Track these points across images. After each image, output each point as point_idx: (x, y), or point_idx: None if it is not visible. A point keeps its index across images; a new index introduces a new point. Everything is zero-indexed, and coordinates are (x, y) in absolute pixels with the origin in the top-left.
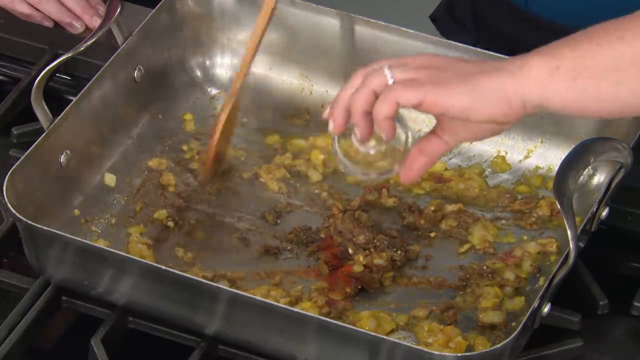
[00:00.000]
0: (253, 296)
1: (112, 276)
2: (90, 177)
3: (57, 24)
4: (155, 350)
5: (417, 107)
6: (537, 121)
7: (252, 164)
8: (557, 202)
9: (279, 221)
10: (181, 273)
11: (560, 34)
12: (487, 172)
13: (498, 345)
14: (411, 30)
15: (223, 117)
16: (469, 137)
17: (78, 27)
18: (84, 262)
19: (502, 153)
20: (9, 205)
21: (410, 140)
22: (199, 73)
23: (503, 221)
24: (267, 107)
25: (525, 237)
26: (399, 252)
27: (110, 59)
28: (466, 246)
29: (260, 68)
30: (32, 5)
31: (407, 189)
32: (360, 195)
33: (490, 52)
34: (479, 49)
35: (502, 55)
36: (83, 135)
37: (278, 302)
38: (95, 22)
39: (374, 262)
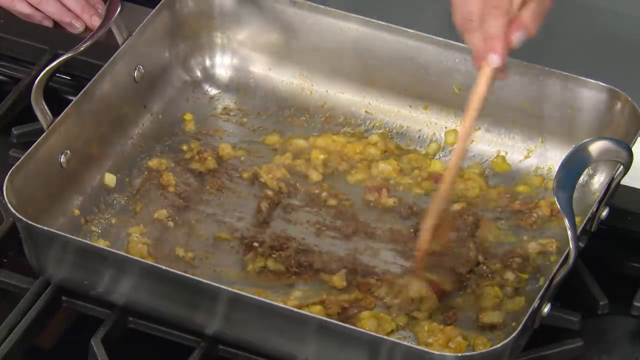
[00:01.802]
0: (253, 296)
1: (112, 276)
2: (90, 177)
3: (56, 24)
4: (155, 350)
5: None
6: (537, 121)
7: (252, 164)
8: (557, 202)
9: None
10: (181, 273)
11: None
12: (487, 172)
13: (498, 345)
14: (411, 30)
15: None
16: None
17: (78, 27)
18: (84, 262)
19: (502, 153)
20: (9, 205)
21: None
22: (199, 73)
23: (503, 221)
24: (267, 107)
25: (525, 237)
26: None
27: (110, 59)
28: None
29: (260, 68)
30: (32, 5)
31: (407, 188)
32: (360, 195)
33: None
34: None
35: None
36: (83, 135)
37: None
38: (95, 22)
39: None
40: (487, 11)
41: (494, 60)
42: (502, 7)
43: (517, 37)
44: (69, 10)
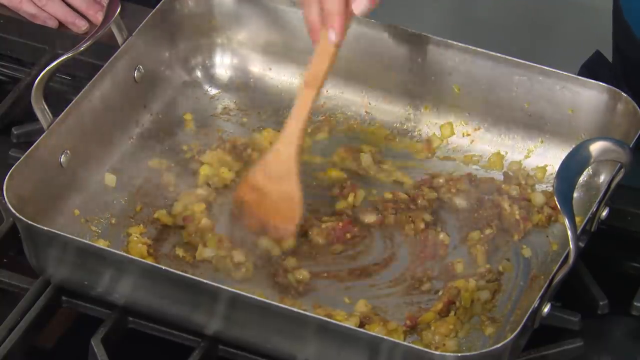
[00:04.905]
0: (253, 296)
1: (112, 276)
2: (90, 177)
3: (59, 24)
4: (155, 350)
5: None
6: (537, 121)
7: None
8: (557, 202)
9: None
10: (181, 273)
11: None
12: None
13: (498, 345)
14: (411, 30)
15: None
16: None
17: (81, 26)
18: (84, 262)
19: (502, 152)
20: (9, 205)
21: None
22: (199, 73)
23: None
24: (267, 107)
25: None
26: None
27: (110, 59)
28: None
29: (260, 68)
30: (38, 6)
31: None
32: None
33: (485, 51)
34: (478, 49)
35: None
36: (83, 135)
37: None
38: (101, 17)
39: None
40: None
41: (331, 36)
42: None
43: (360, 9)
44: (74, 8)
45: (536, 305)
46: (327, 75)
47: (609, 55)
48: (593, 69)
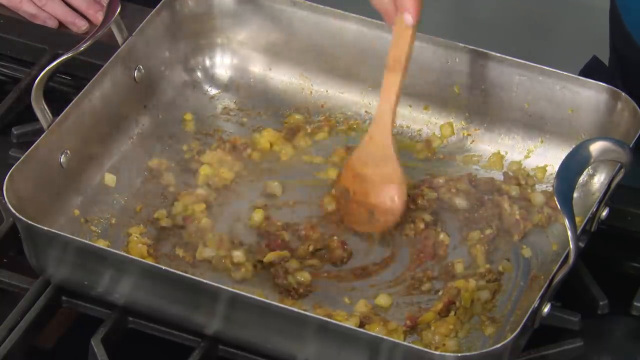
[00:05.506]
0: (253, 296)
1: (112, 276)
2: (90, 177)
3: (59, 24)
4: (155, 350)
5: None
6: (537, 121)
7: None
8: (557, 202)
9: None
10: (181, 273)
11: None
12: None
13: (498, 345)
14: None
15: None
16: None
17: (81, 26)
18: (84, 262)
19: (502, 152)
20: (9, 205)
21: None
22: (199, 73)
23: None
24: (267, 107)
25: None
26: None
27: (110, 59)
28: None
29: (260, 68)
30: (37, 6)
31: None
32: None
33: (481, 50)
34: (478, 49)
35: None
36: (83, 135)
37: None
38: (101, 17)
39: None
40: None
41: (408, 20)
42: None
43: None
44: (74, 8)
45: (536, 305)
46: (409, 56)
47: (608, 54)
48: (591, 74)
